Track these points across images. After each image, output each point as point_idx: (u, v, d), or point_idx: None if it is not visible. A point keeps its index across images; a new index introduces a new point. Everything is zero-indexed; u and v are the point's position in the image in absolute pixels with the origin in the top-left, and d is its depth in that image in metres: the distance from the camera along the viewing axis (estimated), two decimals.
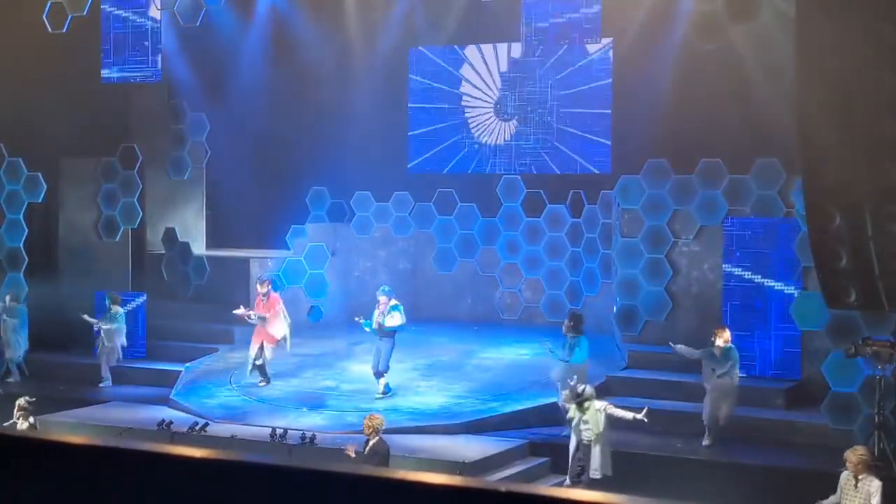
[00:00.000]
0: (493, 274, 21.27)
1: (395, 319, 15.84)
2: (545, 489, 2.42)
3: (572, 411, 13.17)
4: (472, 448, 14.02)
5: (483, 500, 2.48)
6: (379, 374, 15.95)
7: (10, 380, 18.53)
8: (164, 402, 16.61)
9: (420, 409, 15.57)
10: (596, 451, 12.97)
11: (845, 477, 11.41)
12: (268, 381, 16.92)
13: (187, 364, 18.19)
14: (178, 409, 16.05)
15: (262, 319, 16.99)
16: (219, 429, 14.46)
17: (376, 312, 15.99)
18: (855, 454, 11.39)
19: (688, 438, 14.46)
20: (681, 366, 15.68)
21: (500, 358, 18.33)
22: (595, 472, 12.91)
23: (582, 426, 13.09)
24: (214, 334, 19.24)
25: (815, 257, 13.78)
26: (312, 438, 13.32)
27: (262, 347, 16.97)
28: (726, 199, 17.11)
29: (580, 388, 13.20)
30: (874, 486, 11.23)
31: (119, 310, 18.31)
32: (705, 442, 14.33)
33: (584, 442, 13.09)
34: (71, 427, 15.12)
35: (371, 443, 12.31)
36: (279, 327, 17.04)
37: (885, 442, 13.36)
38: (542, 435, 14.75)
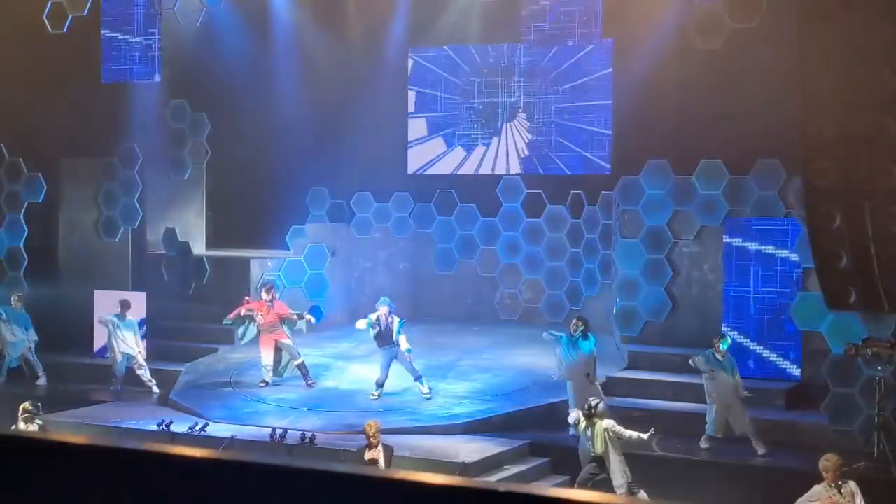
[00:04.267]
0: (492, 274, 21.25)
1: (404, 342, 15.71)
2: (545, 489, 2.42)
3: (580, 420, 13.08)
4: (472, 448, 14.02)
5: (483, 500, 2.48)
6: (417, 379, 15.87)
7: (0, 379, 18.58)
8: (164, 402, 16.63)
9: (420, 409, 15.57)
10: (614, 468, 12.76)
11: (824, 488, 11.27)
12: (310, 376, 16.92)
13: (187, 364, 18.19)
14: (178, 409, 16.06)
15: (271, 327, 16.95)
16: (219, 429, 14.47)
17: (373, 317, 15.89)
18: (832, 462, 11.30)
19: (688, 438, 14.45)
20: (681, 366, 15.68)
21: (500, 358, 18.30)
22: (619, 488, 12.59)
23: (587, 438, 13.01)
24: (214, 334, 19.20)
25: (815, 257, 13.77)
26: (312, 438, 13.31)
27: (278, 350, 16.93)
28: (726, 200, 17.11)
29: (594, 401, 13.08)
30: (854, 486, 11.30)
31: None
32: (703, 444, 14.32)
33: (592, 453, 13.02)
34: (71, 427, 15.11)
35: (380, 449, 12.42)
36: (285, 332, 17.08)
37: (885, 442, 13.36)
38: (542, 435, 14.75)
